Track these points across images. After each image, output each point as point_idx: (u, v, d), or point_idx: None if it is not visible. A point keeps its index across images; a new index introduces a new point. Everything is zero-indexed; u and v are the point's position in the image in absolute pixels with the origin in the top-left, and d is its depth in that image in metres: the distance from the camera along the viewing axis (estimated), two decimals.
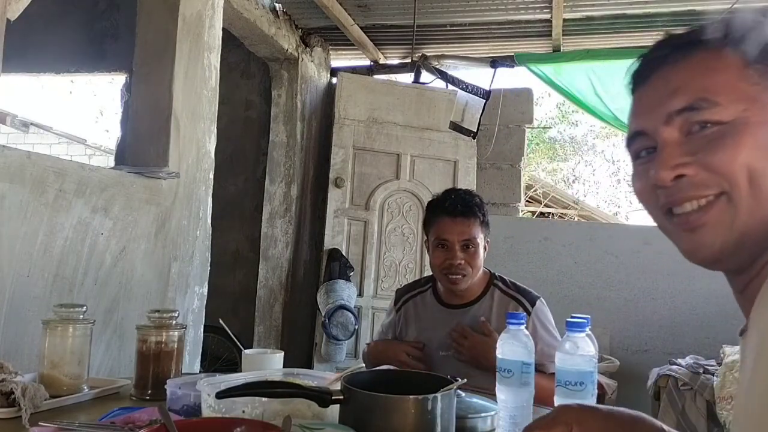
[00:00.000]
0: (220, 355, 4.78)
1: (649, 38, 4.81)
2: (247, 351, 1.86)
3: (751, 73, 0.86)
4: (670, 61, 0.92)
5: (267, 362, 1.83)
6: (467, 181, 4.95)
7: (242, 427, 1.17)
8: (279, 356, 1.85)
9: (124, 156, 3.14)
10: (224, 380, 1.44)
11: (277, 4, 4.53)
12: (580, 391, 1.32)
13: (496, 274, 2.48)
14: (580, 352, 1.34)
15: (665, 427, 1.03)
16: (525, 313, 2.22)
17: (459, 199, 2.36)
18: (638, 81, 0.98)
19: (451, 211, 2.33)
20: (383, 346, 2.53)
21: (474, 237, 2.32)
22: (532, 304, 2.34)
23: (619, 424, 1.04)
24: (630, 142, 0.99)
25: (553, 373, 1.41)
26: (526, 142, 5.47)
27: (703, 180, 0.87)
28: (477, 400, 1.63)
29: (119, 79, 4.29)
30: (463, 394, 1.66)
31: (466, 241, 2.31)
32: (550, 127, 14.87)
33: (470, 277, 2.34)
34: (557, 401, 1.36)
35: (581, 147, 17.39)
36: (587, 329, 1.38)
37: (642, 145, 0.96)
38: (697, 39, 0.90)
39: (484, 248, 2.38)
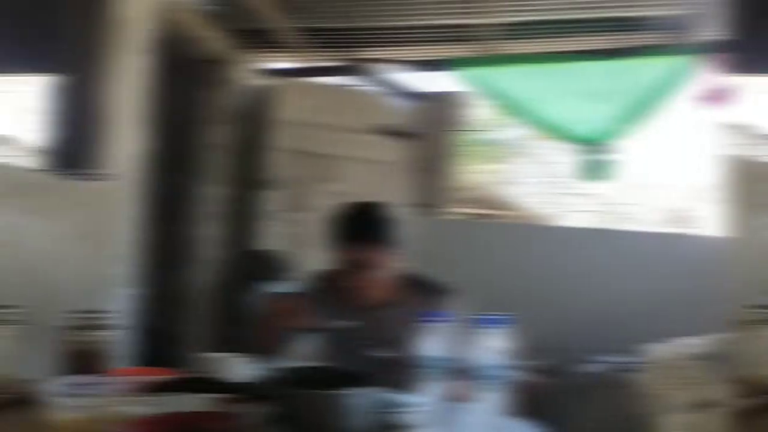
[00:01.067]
0: (152, 357, 4.74)
1: (575, 43, 4.94)
2: (210, 355, 1.82)
3: None
4: None
5: (234, 367, 1.79)
6: (399, 184, 5.01)
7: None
8: (244, 360, 1.82)
9: (54, 158, 3.11)
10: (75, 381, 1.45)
11: (210, 6, 4.52)
12: (489, 384, 1.39)
13: (408, 272, 2.53)
14: (488, 347, 1.42)
15: None
16: (443, 310, 2.29)
17: (358, 223, 2.41)
18: None
19: (350, 236, 2.39)
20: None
21: (374, 259, 2.38)
22: (442, 299, 2.41)
23: None
24: None
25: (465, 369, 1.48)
26: (459, 144, 5.56)
27: None
28: (396, 396, 1.70)
29: (50, 80, 4.21)
30: (384, 390, 1.72)
31: (365, 263, 2.38)
32: (484, 130, 15.01)
33: (376, 289, 2.41)
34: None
35: (516, 149, 17.59)
36: (498, 326, 1.45)
37: None
38: None
39: (393, 260, 2.43)
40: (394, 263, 2.42)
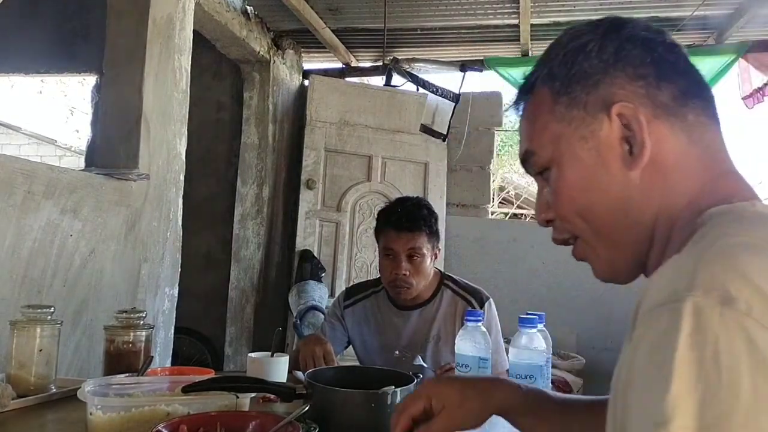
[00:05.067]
0: (191, 357, 4.79)
1: None
2: (252, 354, 1.80)
3: (558, 109, 0.88)
4: (521, 111, 0.97)
5: (274, 366, 1.77)
6: (438, 183, 5.00)
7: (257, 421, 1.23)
8: (284, 359, 1.82)
9: (94, 157, 3.14)
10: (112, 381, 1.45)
11: (248, 7, 4.55)
12: (530, 384, 1.37)
13: (447, 274, 2.54)
14: (530, 347, 1.39)
15: (523, 384, 1.10)
16: (482, 311, 2.28)
17: (405, 213, 2.41)
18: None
19: (396, 225, 2.39)
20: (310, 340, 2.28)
21: (419, 248, 2.37)
22: (481, 305, 2.40)
23: (477, 390, 1.08)
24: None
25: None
26: (496, 144, 5.53)
27: (561, 226, 0.93)
28: None
29: (90, 80, 4.27)
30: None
31: (410, 252, 2.36)
32: None
33: (415, 287, 2.40)
34: None
35: None
36: (539, 326, 1.43)
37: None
38: (530, 83, 0.94)
39: (434, 256, 2.44)
40: (434, 256, 2.43)
